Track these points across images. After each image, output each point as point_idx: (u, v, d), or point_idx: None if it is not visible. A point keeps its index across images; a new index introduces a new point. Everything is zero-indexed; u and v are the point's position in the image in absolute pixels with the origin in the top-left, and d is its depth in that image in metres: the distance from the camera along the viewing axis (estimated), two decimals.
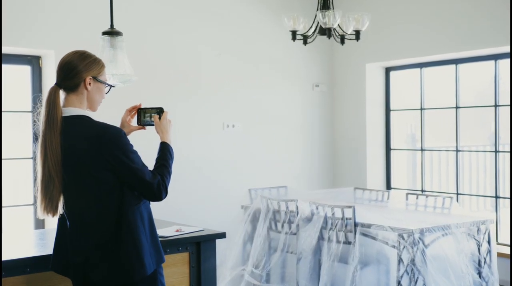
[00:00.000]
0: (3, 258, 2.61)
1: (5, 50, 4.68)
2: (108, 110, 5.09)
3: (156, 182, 2.45)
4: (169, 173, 2.55)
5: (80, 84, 2.48)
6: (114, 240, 2.40)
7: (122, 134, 2.45)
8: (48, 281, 2.71)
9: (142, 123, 2.85)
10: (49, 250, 2.90)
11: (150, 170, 2.50)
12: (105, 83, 2.57)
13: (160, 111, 2.75)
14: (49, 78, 4.86)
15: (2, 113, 4.83)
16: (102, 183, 2.42)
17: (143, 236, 2.44)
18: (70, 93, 2.50)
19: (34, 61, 4.91)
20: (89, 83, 2.48)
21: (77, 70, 2.46)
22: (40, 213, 2.55)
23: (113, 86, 2.67)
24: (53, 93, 2.50)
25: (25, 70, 4.90)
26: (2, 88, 4.76)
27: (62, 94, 2.53)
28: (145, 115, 2.82)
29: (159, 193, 2.47)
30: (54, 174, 2.56)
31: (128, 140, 2.49)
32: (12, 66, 4.86)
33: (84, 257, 2.43)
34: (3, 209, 4.78)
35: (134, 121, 2.88)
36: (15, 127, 5.00)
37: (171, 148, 2.65)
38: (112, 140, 2.40)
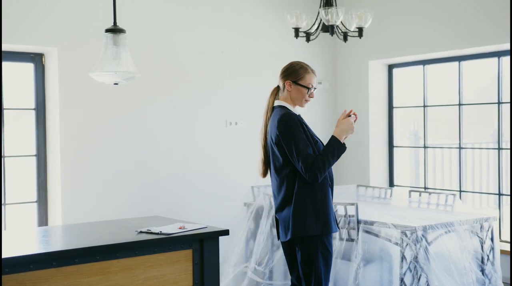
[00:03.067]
0: (7, 255, 2.61)
1: (8, 47, 4.68)
2: (112, 107, 5.12)
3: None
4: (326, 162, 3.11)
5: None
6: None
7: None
8: (51, 278, 2.72)
9: None
10: (52, 247, 2.91)
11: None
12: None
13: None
14: (52, 76, 4.87)
15: (5, 110, 4.84)
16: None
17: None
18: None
19: (37, 59, 4.92)
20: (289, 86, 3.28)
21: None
22: None
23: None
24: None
25: (28, 68, 4.91)
26: (2, 85, 4.78)
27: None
28: None
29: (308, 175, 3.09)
30: None
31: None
32: (15, 63, 4.87)
33: None
34: (7, 206, 4.80)
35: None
36: (18, 125, 5.01)
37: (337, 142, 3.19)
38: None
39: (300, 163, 3.08)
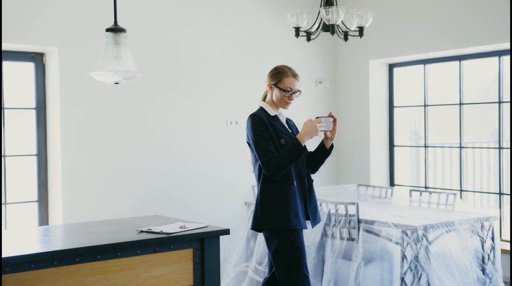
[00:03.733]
0: (8, 255, 2.62)
1: (8, 47, 4.69)
2: (112, 106, 5.12)
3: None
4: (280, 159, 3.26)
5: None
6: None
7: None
8: (52, 277, 2.72)
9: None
10: (53, 246, 2.92)
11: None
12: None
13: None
14: (53, 75, 4.87)
15: (6, 110, 4.85)
16: None
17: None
18: None
19: (37, 58, 4.92)
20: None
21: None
22: None
23: None
24: None
25: (29, 67, 4.91)
26: (2, 85, 4.78)
27: None
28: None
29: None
30: None
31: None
32: (16, 63, 4.87)
33: None
34: (7, 206, 4.80)
35: None
36: (19, 124, 5.01)
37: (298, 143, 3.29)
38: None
39: (260, 159, 3.29)
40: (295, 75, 3.45)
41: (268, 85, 3.46)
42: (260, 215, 3.33)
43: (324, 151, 3.46)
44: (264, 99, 3.53)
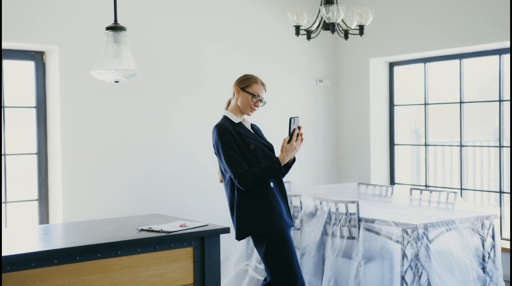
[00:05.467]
0: (8, 253, 2.62)
1: (8, 45, 4.68)
2: (112, 105, 5.12)
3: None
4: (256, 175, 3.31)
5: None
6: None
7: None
8: (52, 276, 2.72)
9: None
10: (53, 245, 2.92)
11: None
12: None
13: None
14: (53, 74, 4.87)
15: (6, 109, 4.84)
16: None
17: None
18: None
19: (37, 57, 4.92)
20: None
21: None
22: None
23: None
24: None
25: (29, 66, 4.91)
26: (2, 84, 4.78)
27: None
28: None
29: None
30: None
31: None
32: (16, 61, 4.87)
33: None
34: (8, 205, 4.80)
35: None
36: (19, 123, 5.01)
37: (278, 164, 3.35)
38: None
39: (231, 170, 3.32)
40: (263, 85, 3.53)
41: (236, 89, 3.49)
42: (242, 222, 3.34)
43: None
44: (227, 108, 3.55)
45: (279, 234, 3.32)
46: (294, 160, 3.48)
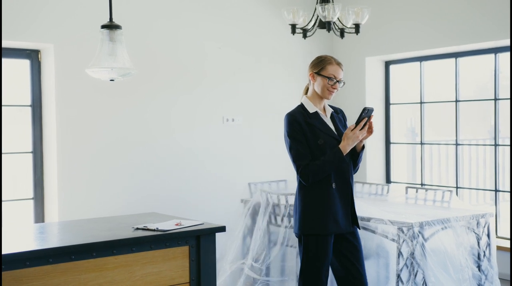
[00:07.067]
0: (3, 252, 2.61)
1: (4, 44, 4.67)
2: (108, 103, 5.11)
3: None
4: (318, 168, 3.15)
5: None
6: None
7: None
8: (48, 275, 2.71)
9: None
10: (48, 243, 2.91)
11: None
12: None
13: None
14: (48, 72, 4.86)
15: (2, 107, 4.83)
16: None
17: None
18: None
19: (33, 55, 4.90)
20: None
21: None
22: None
23: None
24: None
25: (24, 64, 4.89)
26: (1, 82, 4.76)
27: None
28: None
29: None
30: None
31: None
32: (11, 60, 4.85)
33: None
34: (3, 203, 4.79)
35: None
36: (14, 122, 5.00)
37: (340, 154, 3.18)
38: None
39: (293, 162, 3.21)
40: (339, 64, 3.31)
41: (310, 74, 3.31)
42: (299, 219, 3.25)
43: (354, 154, 3.32)
44: (306, 93, 3.36)
45: (319, 240, 3.21)
46: (363, 147, 3.29)
